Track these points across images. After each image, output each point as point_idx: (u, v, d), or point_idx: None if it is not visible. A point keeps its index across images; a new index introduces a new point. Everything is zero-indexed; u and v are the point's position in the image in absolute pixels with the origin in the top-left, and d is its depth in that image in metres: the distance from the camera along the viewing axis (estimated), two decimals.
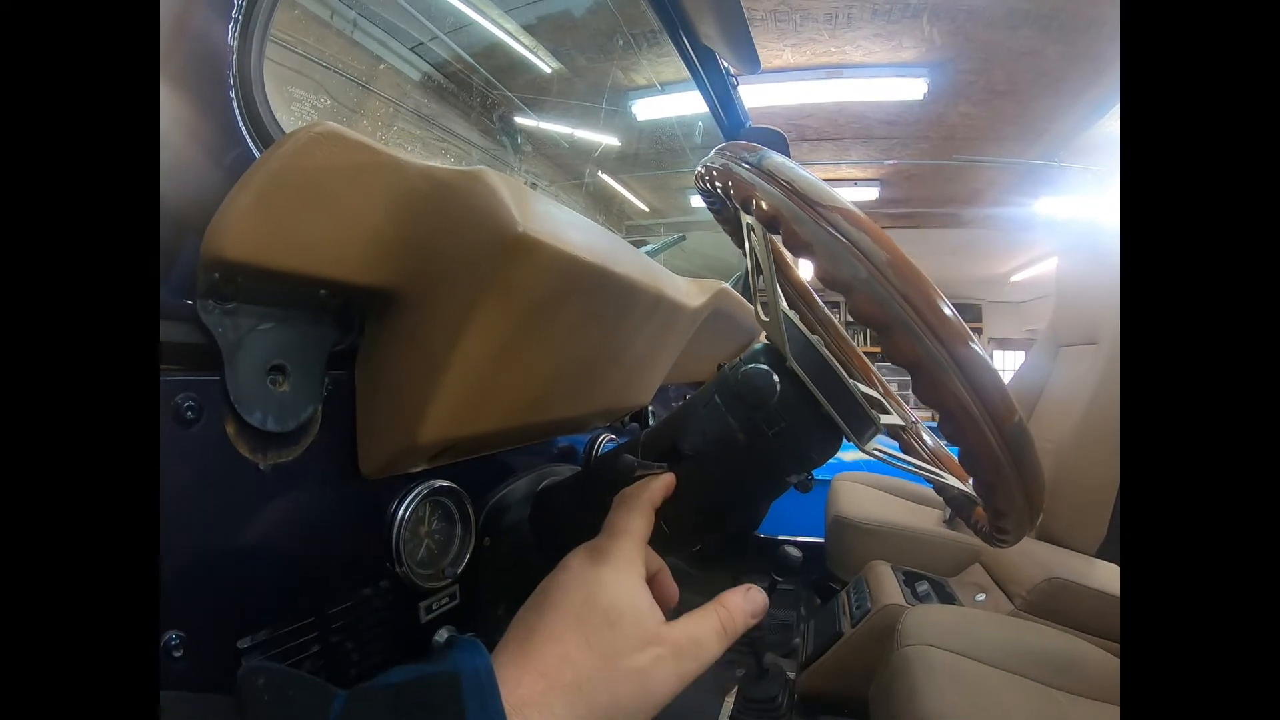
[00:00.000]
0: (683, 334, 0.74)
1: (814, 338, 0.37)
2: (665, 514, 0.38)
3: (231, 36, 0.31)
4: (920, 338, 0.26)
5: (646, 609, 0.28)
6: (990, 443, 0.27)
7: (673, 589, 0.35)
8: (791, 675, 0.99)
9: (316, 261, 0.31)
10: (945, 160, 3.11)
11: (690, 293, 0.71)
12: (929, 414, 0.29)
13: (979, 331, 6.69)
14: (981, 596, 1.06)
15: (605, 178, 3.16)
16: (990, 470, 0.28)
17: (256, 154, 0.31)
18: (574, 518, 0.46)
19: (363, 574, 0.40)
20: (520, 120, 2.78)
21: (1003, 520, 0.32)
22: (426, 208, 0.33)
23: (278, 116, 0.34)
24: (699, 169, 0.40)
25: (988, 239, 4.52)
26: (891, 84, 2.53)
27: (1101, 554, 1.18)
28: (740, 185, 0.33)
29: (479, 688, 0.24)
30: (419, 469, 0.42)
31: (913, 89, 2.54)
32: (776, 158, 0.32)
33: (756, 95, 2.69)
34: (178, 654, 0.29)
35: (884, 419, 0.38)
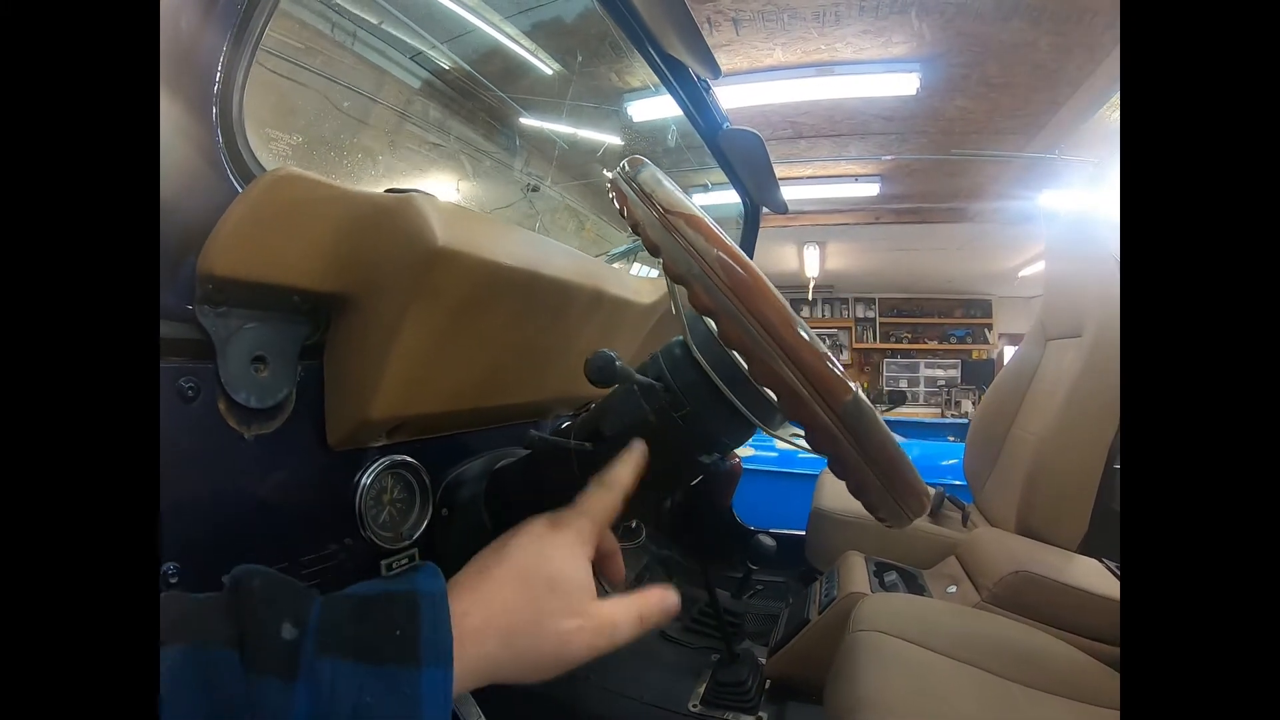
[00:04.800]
0: (637, 328, 0.77)
1: (718, 335, 0.40)
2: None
3: (215, 95, 0.37)
4: (743, 324, 0.29)
5: (583, 584, 0.32)
6: (824, 421, 0.29)
7: (619, 570, 0.40)
8: (763, 661, 1.01)
9: (285, 274, 0.40)
10: (943, 155, 3.09)
11: (641, 290, 0.74)
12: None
13: (989, 327, 6.59)
14: (953, 589, 1.07)
15: (608, 174, 3.17)
16: (831, 448, 0.30)
17: (239, 189, 0.38)
18: (521, 494, 0.50)
19: (331, 531, 0.47)
20: (522, 123, 2.83)
21: (867, 497, 0.34)
22: (369, 229, 0.41)
23: (258, 155, 0.41)
24: (608, 183, 0.44)
25: (994, 233, 4.46)
26: (884, 80, 2.52)
27: (1085, 549, 1.17)
28: (619, 196, 0.38)
29: (434, 608, 0.28)
30: (380, 444, 0.50)
31: (905, 84, 2.53)
32: (649, 171, 0.37)
33: (749, 95, 2.70)
34: (173, 580, 0.36)
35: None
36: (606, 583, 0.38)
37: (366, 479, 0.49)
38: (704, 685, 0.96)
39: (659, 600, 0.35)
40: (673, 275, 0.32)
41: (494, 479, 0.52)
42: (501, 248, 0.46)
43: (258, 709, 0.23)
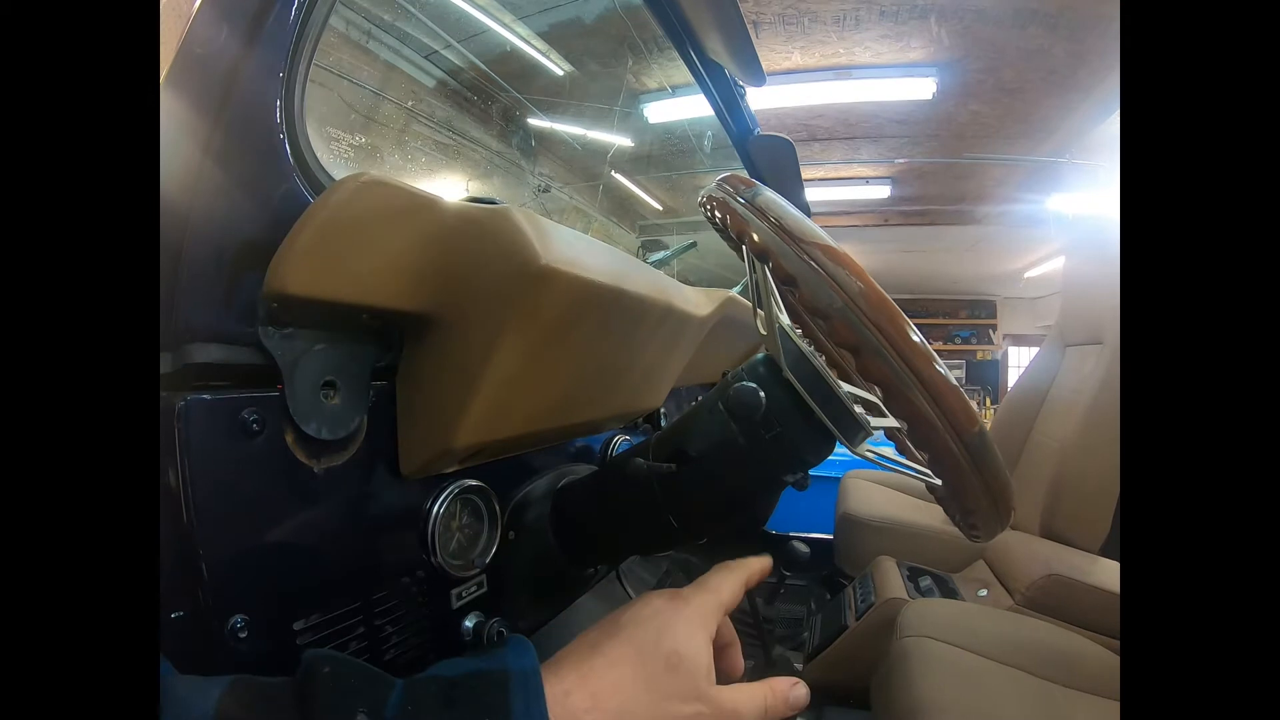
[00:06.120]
0: (692, 340, 0.78)
1: (807, 349, 0.41)
2: (674, 511, 0.42)
3: (279, 95, 0.35)
4: (887, 359, 0.30)
5: (705, 666, 0.30)
6: (952, 450, 0.31)
7: (739, 664, 0.37)
8: (799, 667, 1.03)
9: (363, 292, 0.36)
10: (956, 158, 3.10)
11: (698, 302, 0.75)
12: None
13: (994, 328, 6.61)
14: (983, 592, 1.09)
15: (619, 178, 3.18)
16: (954, 474, 0.32)
17: (309, 199, 0.35)
18: (589, 513, 0.49)
19: (402, 564, 0.44)
20: (534, 122, 2.82)
21: (971, 518, 0.36)
22: (458, 243, 0.38)
23: (325, 163, 0.38)
24: (702, 198, 0.44)
25: (1001, 235, 4.48)
26: (900, 84, 2.53)
27: (1106, 551, 1.19)
28: (735, 219, 0.37)
29: (526, 688, 0.25)
30: (452, 469, 0.47)
31: (922, 89, 2.54)
32: (768, 195, 0.37)
33: (767, 97, 2.70)
34: (243, 634, 0.33)
35: (877, 422, 0.41)
36: (723, 677, 0.35)
37: (439, 508, 0.46)
38: None
39: (786, 690, 0.32)
40: (810, 308, 0.32)
41: (559, 498, 0.52)
42: (596, 263, 0.44)
43: None
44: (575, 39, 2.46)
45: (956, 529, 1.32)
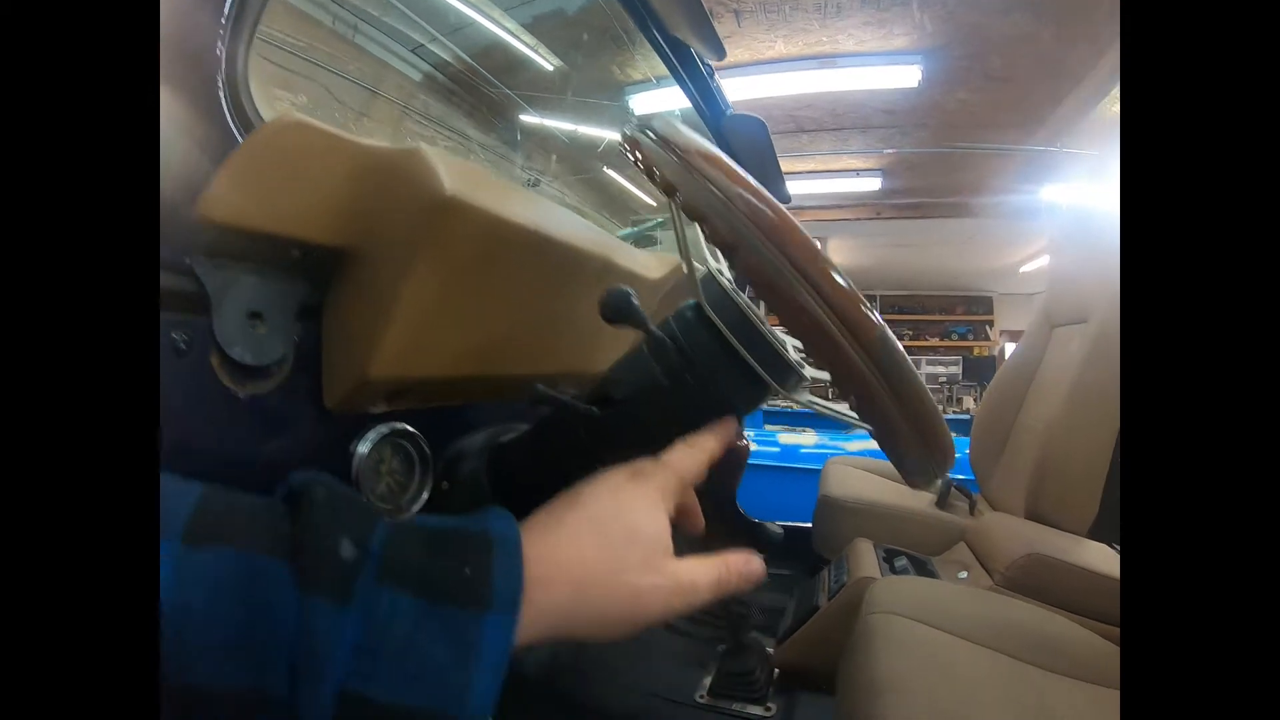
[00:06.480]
0: (645, 303, 0.76)
1: (728, 285, 0.39)
2: (603, 456, 0.41)
3: (222, 44, 0.37)
4: (765, 256, 0.27)
5: (663, 540, 0.30)
6: (850, 355, 0.28)
7: (699, 521, 0.37)
8: (770, 651, 1.00)
9: (288, 223, 0.39)
10: (945, 148, 3.08)
11: (649, 265, 0.73)
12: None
13: (990, 324, 6.59)
14: (964, 575, 1.06)
15: (611, 173, 3.18)
16: (859, 385, 0.29)
17: (241, 139, 0.38)
18: (526, 468, 0.48)
19: None
20: (523, 118, 2.82)
21: (894, 444, 0.33)
22: (376, 180, 0.40)
23: (262, 112, 0.41)
24: (620, 139, 0.42)
25: (996, 229, 4.46)
26: (886, 72, 2.51)
27: (1094, 536, 1.16)
28: (634, 147, 0.37)
29: (508, 552, 0.26)
30: (380, 410, 0.48)
31: (907, 76, 2.52)
32: (661, 120, 0.35)
33: (752, 87, 2.69)
34: None
35: (812, 371, 0.39)
36: (685, 536, 0.36)
37: (363, 447, 0.47)
38: (711, 676, 0.94)
39: (741, 565, 0.32)
40: (690, 211, 0.31)
41: (497, 453, 0.51)
42: (512, 206, 0.45)
43: (303, 630, 0.21)
44: (560, 30, 2.46)
45: (939, 512, 1.30)
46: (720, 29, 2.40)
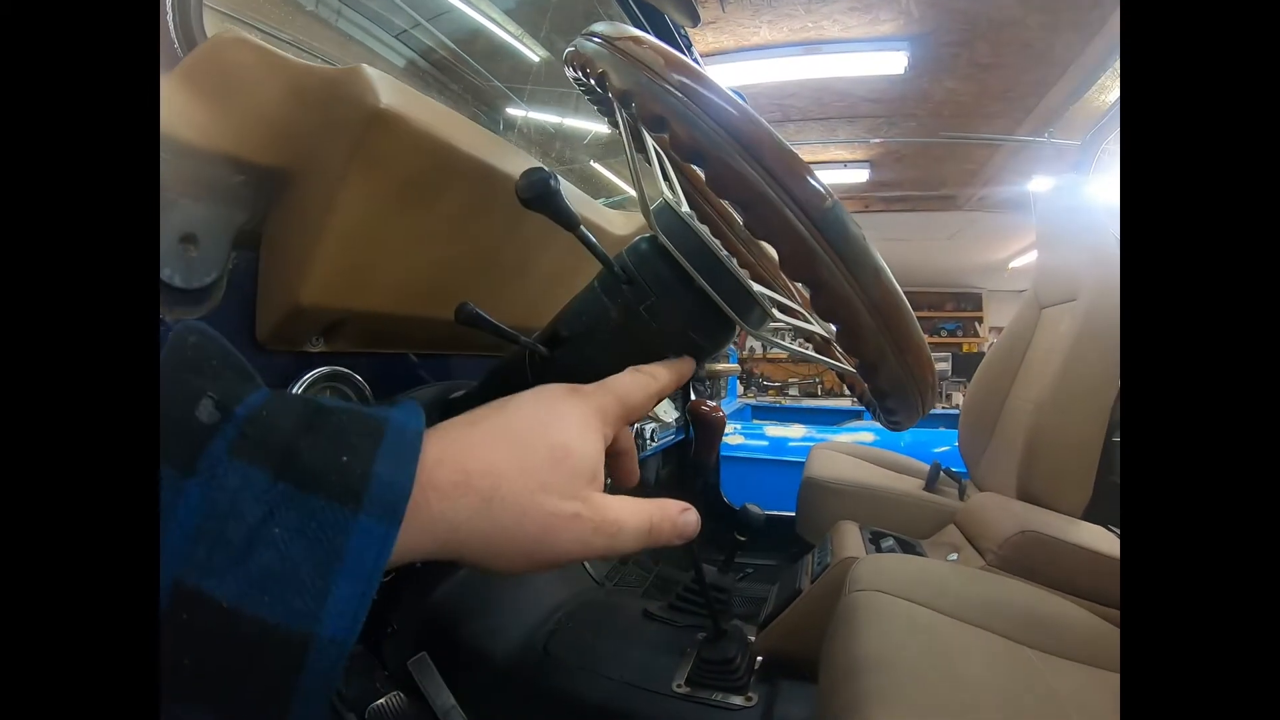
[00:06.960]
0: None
1: (686, 214, 0.35)
2: None
3: None
4: (698, 123, 0.24)
5: (592, 467, 0.26)
6: (798, 229, 0.24)
7: (633, 472, 0.33)
8: (752, 639, 0.95)
9: (225, 140, 0.38)
10: (932, 138, 3.07)
11: (614, 220, 0.69)
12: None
13: (980, 320, 6.61)
14: (954, 556, 1.02)
15: (597, 166, 3.15)
16: (807, 266, 0.25)
17: (182, 55, 0.38)
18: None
19: None
20: (510, 111, 2.77)
21: (872, 374, 0.29)
22: (315, 98, 0.40)
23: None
24: (565, 56, 0.39)
25: (984, 222, 4.46)
26: (872, 58, 2.49)
27: (1089, 517, 1.13)
28: (579, 56, 0.33)
29: (400, 444, 0.21)
30: (317, 350, 0.47)
31: (893, 63, 2.50)
32: (608, 23, 0.32)
33: (736, 74, 2.66)
34: None
35: (774, 302, 0.36)
36: (615, 486, 0.32)
37: (299, 388, 0.45)
38: (689, 664, 0.89)
39: (676, 514, 0.28)
40: (648, 117, 0.27)
41: (449, 406, 0.48)
42: (454, 131, 0.43)
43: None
44: (540, 16, 2.42)
45: (928, 494, 1.25)
46: (704, 15, 2.36)
